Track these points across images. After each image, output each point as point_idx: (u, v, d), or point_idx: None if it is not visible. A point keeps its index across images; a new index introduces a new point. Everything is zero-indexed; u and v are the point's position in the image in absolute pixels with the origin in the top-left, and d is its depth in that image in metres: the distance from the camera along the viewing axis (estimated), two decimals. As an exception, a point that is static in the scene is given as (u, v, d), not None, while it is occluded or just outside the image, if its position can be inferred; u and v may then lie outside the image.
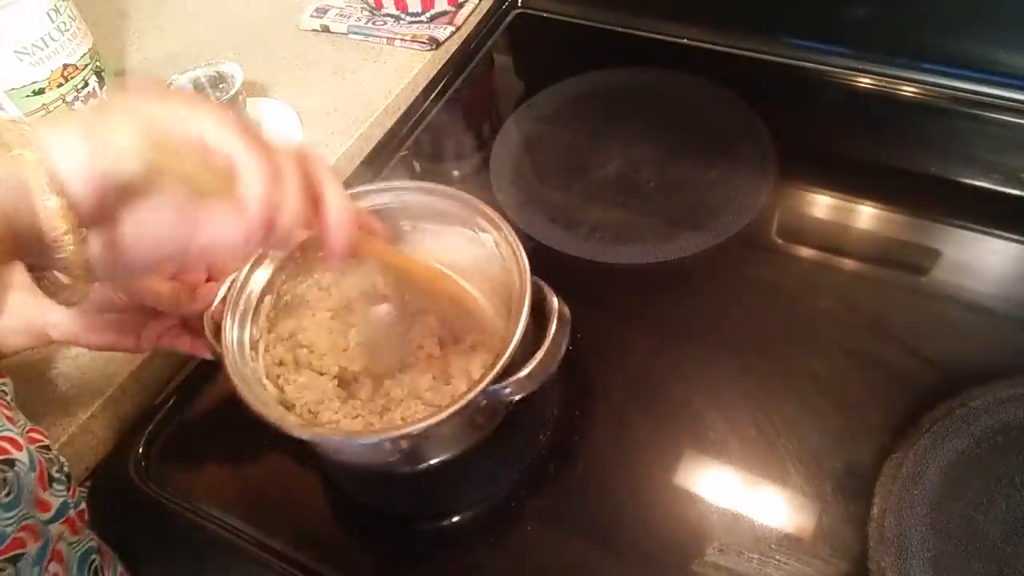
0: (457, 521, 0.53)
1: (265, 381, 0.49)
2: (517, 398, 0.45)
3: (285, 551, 0.51)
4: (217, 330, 0.49)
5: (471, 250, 0.53)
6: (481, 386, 0.43)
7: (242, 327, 0.50)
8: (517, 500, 0.52)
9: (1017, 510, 0.46)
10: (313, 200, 0.38)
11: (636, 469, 0.52)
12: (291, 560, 0.51)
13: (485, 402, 0.44)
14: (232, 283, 0.51)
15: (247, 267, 0.51)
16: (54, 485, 0.47)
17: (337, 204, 0.39)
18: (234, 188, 0.34)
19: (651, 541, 0.49)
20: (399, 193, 0.54)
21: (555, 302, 0.47)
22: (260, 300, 0.51)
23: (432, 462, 0.48)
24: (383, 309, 0.54)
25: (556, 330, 0.46)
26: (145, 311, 0.51)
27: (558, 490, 0.53)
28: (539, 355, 0.44)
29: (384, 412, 0.49)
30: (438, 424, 0.43)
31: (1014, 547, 0.45)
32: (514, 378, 0.44)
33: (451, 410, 0.42)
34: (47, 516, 0.45)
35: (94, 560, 0.49)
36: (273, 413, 0.45)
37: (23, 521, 0.43)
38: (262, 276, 0.52)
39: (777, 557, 0.47)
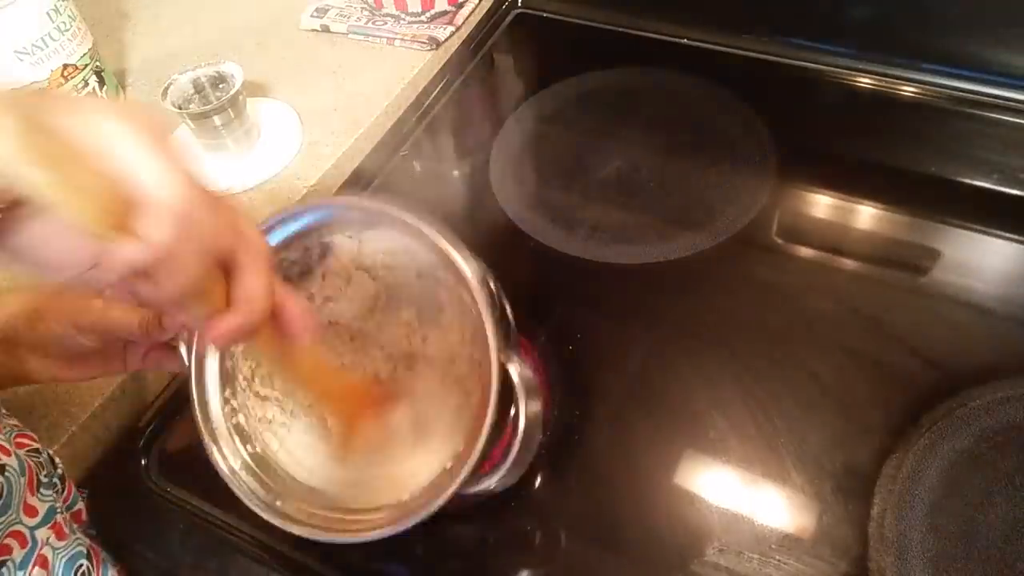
0: (456, 522, 0.53)
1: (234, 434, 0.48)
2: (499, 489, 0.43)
3: (285, 551, 0.51)
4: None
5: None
6: (449, 492, 0.41)
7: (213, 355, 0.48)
8: (517, 500, 0.52)
9: (1017, 510, 0.46)
10: (226, 268, 0.32)
11: (636, 469, 0.52)
12: (291, 560, 0.51)
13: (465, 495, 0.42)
14: None
15: None
16: (42, 490, 0.47)
17: (252, 285, 0.32)
18: (128, 225, 0.27)
19: (651, 541, 0.49)
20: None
21: (521, 400, 0.42)
22: None
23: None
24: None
25: (521, 442, 0.42)
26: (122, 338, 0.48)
27: (558, 491, 0.53)
28: (505, 466, 0.42)
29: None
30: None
31: (1014, 547, 0.45)
32: (487, 482, 0.42)
33: (413, 520, 0.41)
34: (35, 521, 0.45)
35: (82, 565, 0.48)
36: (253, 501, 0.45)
37: (11, 527, 0.43)
38: None
39: (777, 557, 0.47)
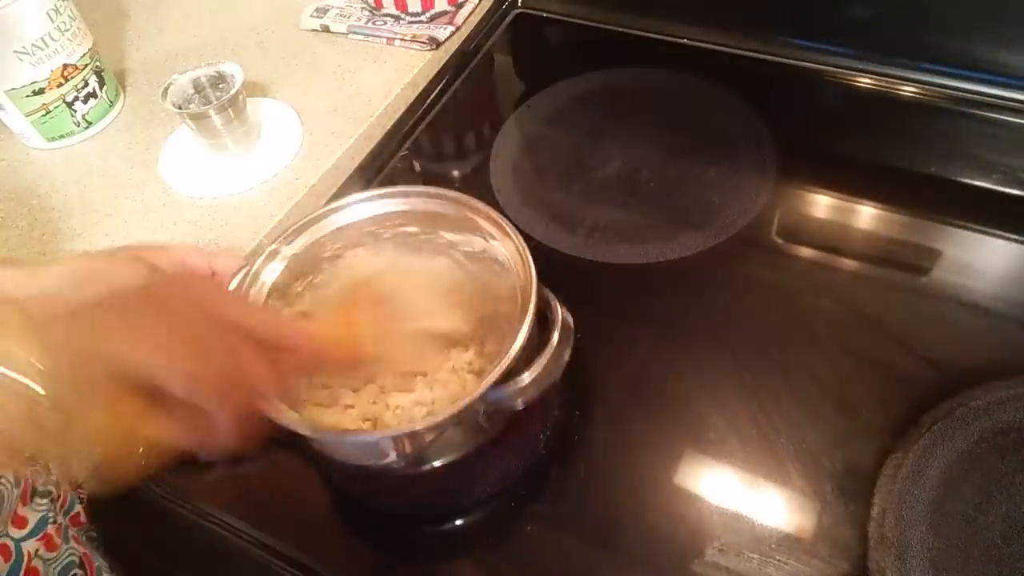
0: (457, 522, 0.53)
1: None
2: (520, 404, 0.45)
3: (285, 551, 0.51)
4: None
5: (470, 257, 0.53)
6: (481, 390, 0.42)
7: None
8: (517, 501, 0.52)
9: (1017, 510, 0.46)
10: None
11: (636, 469, 0.52)
12: (291, 560, 0.51)
13: (486, 407, 0.44)
14: (242, 278, 0.50)
15: (258, 262, 0.51)
16: (36, 499, 0.46)
17: None
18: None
19: (651, 541, 0.49)
20: (405, 198, 0.54)
21: (559, 310, 0.47)
22: (268, 297, 0.51)
23: (435, 464, 0.48)
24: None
25: (559, 338, 0.46)
26: None
27: (558, 491, 0.53)
28: (542, 361, 0.44)
29: (385, 411, 0.50)
30: (439, 426, 0.43)
31: (1014, 547, 0.45)
32: (516, 384, 0.44)
33: (450, 413, 0.42)
34: (22, 533, 0.45)
35: (76, 575, 0.48)
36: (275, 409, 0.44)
37: None
38: (273, 272, 0.52)
39: (777, 557, 0.47)
